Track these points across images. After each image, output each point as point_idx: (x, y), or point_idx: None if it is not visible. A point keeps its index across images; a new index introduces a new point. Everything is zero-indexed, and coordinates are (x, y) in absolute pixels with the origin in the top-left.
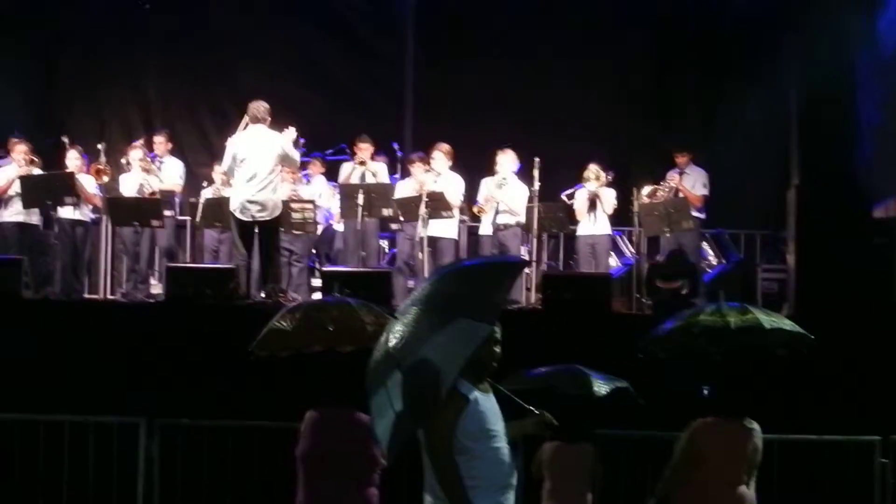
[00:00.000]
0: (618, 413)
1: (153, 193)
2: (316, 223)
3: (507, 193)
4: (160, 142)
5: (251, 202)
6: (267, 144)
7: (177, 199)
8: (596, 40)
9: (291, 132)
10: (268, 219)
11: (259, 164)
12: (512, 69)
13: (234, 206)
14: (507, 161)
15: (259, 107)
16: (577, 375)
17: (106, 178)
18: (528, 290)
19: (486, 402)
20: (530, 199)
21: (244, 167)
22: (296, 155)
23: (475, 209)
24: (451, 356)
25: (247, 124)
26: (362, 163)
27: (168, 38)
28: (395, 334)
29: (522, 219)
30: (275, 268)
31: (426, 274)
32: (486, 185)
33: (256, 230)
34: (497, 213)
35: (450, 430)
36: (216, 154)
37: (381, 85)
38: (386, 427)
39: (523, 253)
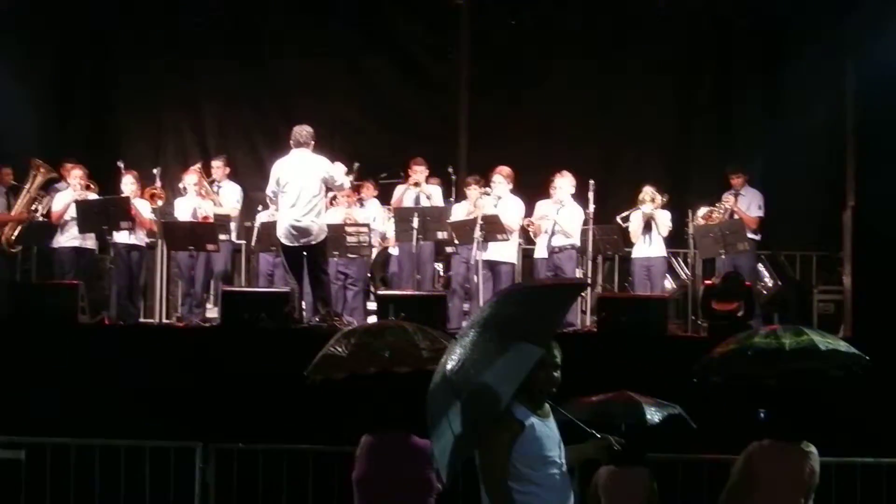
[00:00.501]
0: (673, 437)
1: (206, 218)
2: (371, 246)
3: (564, 216)
4: (218, 166)
5: (295, 227)
6: (310, 169)
7: (233, 224)
8: (651, 64)
9: (339, 167)
10: (313, 243)
11: (302, 188)
12: (565, 92)
13: (279, 232)
14: (564, 184)
15: (302, 130)
16: (630, 404)
17: (160, 203)
18: (584, 312)
19: (543, 428)
20: (585, 222)
21: (287, 192)
22: (341, 179)
23: (525, 222)
24: (505, 380)
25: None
26: (417, 185)
27: (225, 63)
28: (452, 358)
29: (577, 241)
30: (324, 291)
31: (481, 297)
32: (542, 208)
33: (304, 254)
34: (553, 234)
35: (505, 455)
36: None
37: (436, 110)
38: (444, 450)
39: (578, 275)
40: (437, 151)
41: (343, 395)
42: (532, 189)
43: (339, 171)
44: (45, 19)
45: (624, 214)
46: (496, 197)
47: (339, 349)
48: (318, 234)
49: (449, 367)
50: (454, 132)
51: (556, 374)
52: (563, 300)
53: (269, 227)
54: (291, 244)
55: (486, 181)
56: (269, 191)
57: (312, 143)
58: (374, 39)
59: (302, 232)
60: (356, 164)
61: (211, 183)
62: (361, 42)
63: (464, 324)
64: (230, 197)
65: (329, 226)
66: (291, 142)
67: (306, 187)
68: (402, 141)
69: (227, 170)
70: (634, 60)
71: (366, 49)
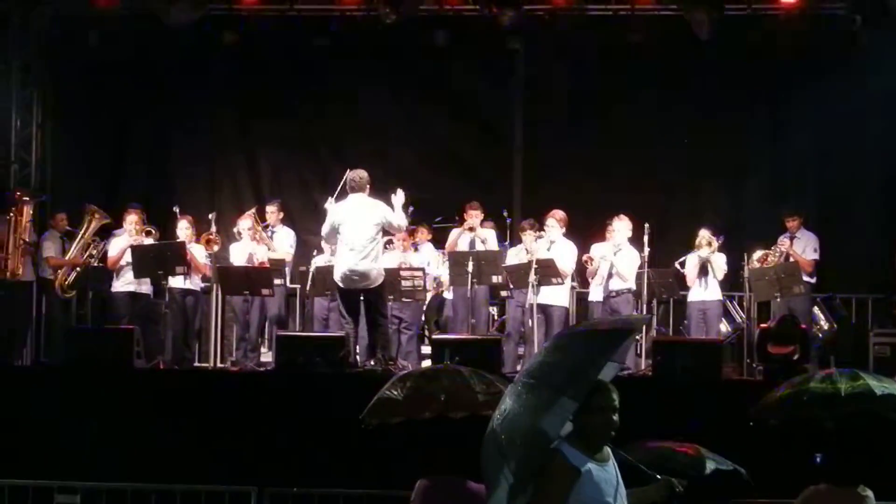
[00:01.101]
0: (730, 486)
1: (262, 263)
2: (425, 290)
3: (621, 259)
4: (272, 211)
5: (353, 272)
6: (367, 213)
7: (287, 268)
8: (708, 106)
9: (400, 196)
10: (371, 287)
11: (359, 233)
12: (621, 134)
13: (337, 276)
14: (622, 227)
15: (356, 175)
16: (691, 456)
17: (215, 248)
18: (639, 356)
19: (601, 473)
20: (641, 265)
21: (344, 236)
22: (400, 220)
23: (584, 257)
24: (546, 430)
25: (342, 189)
26: (472, 229)
27: (282, 106)
28: (502, 408)
29: (634, 285)
30: (382, 335)
31: (536, 341)
32: (599, 251)
33: (361, 297)
34: (609, 277)
35: (561, 502)
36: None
37: (491, 153)
38: (501, 500)
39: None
40: (492, 195)
41: (398, 439)
42: (585, 231)
43: (396, 214)
44: (110, 65)
45: (681, 260)
46: (549, 241)
47: (395, 393)
48: (375, 279)
49: (497, 417)
50: (508, 176)
51: (614, 417)
52: (612, 344)
53: (325, 272)
54: (349, 287)
55: (540, 225)
56: (323, 231)
57: (368, 187)
58: (430, 83)
59: (361, 276)
60: (411, 208)
61: (265, 228)
62: (417, 85)
63: (518, 367)
64: (284, 241)
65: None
66: (347, 188)
67: (363, 231)
68: (457, 185)
69: (281, 214)
70: (691, 101)
71: (422, 94)
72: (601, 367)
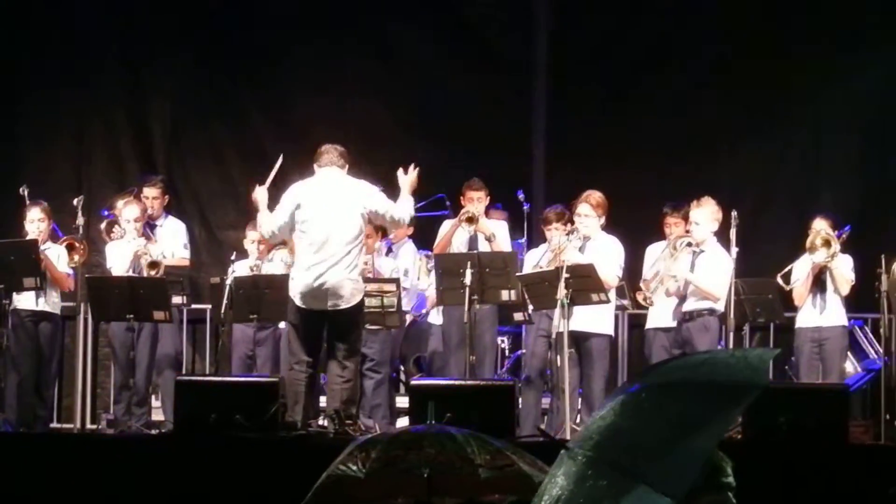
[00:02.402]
0: None
1: (155, 267)
2: (401, 313)
3: (704, 267)
4: (153, 195)
5: (320, 286)
6: (345, 197)
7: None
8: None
9: (411, 175)
10: (343, 308)
11: (332, 227)
12: (689, 85)
13: (294, 291)
14: (704, 217)
15: (331, 148)
16: None
17: (78, 258)
18: None
19: None
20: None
21: (308, 231)
22: (402, 210)
23: (642, 289)
24: None
25: (275, 175)
26: (471, 220)
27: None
28: (554, 492)
29: (721, 305)
30: (348, 383)
31: (567, 389)
32: (657, 253)
33: (326, 326)
34: (684, 294)
35: None
36: (249, 212)
37: (501, 107)
38: None
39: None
40: (502, 169)
41: None
42: (634, 224)
43: (400, 202)
44: None
45: (786, 270)
46: (581, 237)
47: (353, 467)
48: (351, 297)
49: None
50: (526, 140)
51: (730, 496)
52: (730, 410)
53: (249, 285)
54: (311, 309)
55: (572, 216)
56: (273, 226)
57: (346, 164)
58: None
59: (329, 292)
60: (379, 188)
61: (147, 220)
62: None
63: (543, 425)
64: (174, 239)
65: None
66: (316, 163)
67: (343, 227)
68: (450, 153)
69: (167, 199)
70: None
71: (404, 22)
72: (709, 448)
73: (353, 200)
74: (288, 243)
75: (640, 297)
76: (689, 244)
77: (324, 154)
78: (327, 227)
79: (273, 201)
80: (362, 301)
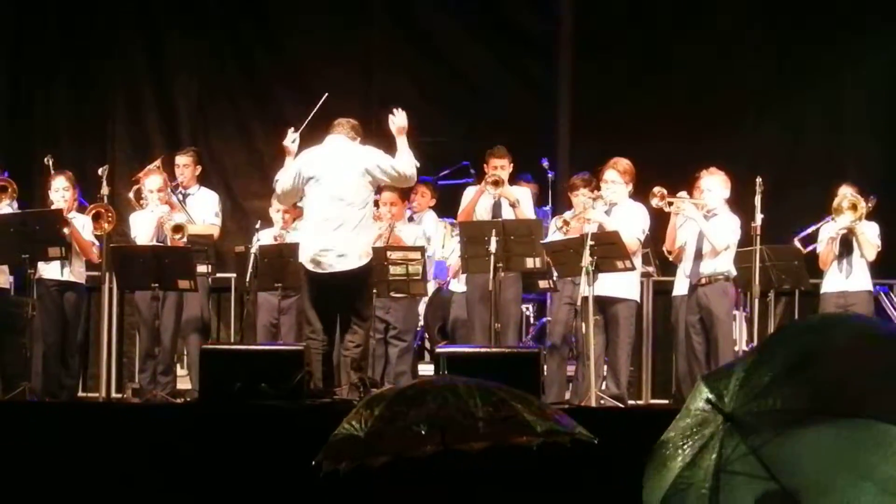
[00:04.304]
0: None
1: (179, 230)
2: (425, 280)
3: (715, 229)
4: (185, 163)
5: (327, 249)
6: (351, 161)
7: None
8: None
9: (400, 117)
10: (351, 271)
11: (341, 191)
12: (714, 54)
13: (303, 256)
14: (715, 184)
15: (344, 121)
16: None
17: (107, 227)
18: None
19: None
20: (750, 240)
21: (316, 195)
22: (405, 165)
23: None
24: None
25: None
26: (496, 183)
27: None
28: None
29: (732, 267)
30: (358, 347)
31: (592, 355)
32: (677, 220)
33: (334, 288)
34: (699, 256)
35: None
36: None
37: (525, 76)
38: None
39: (739, 319)
40: (527, 137)
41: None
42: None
43: (400, 156)
44: None
45: (807, 231)
46: (607, 203)
47: (356, 426)
48: (359, 257)
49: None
50: (550, 110)
51: None
52: None
53: (274, 254)
54: (321, 273)
55: (598, 183)
56: (280, 185)
57: (357, 136)
58: None
59: (337, 254)
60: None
61: (174, 189)
62: None
63: (567, 394)
64: (204, 208)
65: None
66: (329, 134)
67: (347, 189)
68: (475, 123)
69: (199, 169)
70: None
71: None
72: None
73: (355, 163)
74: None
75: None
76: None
77: (336, 126)
78: (333, 191)
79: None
80: (370, 264)
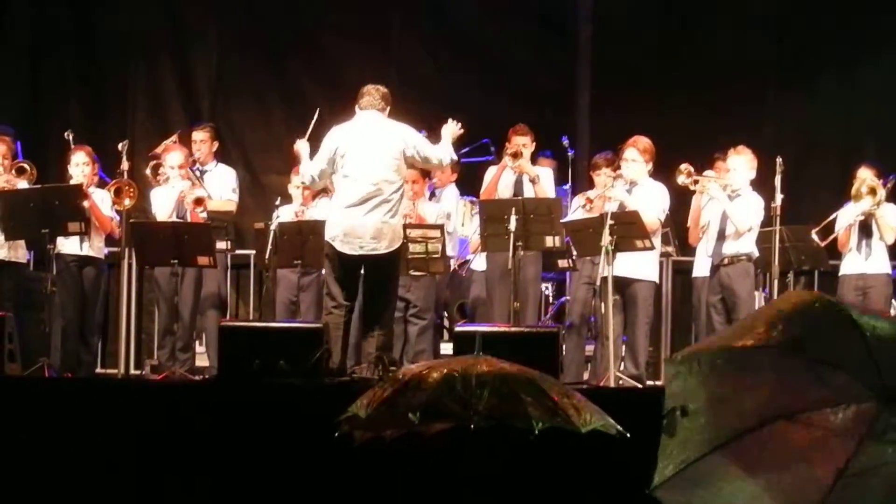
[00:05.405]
0: None
1: (200, 203)
2: (446, 259)
3: (738, 211)
4: (202, 139)
5: (358, 229)
6: (385, 139)
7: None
8: None
9: (452, 127)
10: (383, 253)
11: (372, 169)
12: (734, 34)
13: (332, 234)
14: (741, 165)
15: (373, 90)
16: None
17: (129, 202)
18: None
19: None
20: (770, 221)
21: (348, 174)
22: (442, 152)
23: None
24: None
25: (315, 124)
26: (516, 155)
27: None
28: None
29: (755, 248)
30: (384, 328)
31: (611, 335)
32: (699, 200)
33: (363, 270)
34: (721, 238)
35: None
36: (293, 157)
37: (546, 54)
38: None
39: (759, 300)
40: (547, 115)
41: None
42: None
43: (441, 145)
44: None
45: (823, 224)
46: (627, 182)
47: (361, 411)
48: (391, 240)
49: None
50: (570, 86)
51: None
52: None
53: (293, 231)
54: (350, 254)
55: (619, 161)
56: (314, 171)
57: (387, 106)
58: None
59: (371, 236)
60: (423, 132)
61: (192, 165)
62: None
63: (586, 375)
64: (221, 184)
65: None
66: (357, 105)
67: (378, 167)
68: (495, 101)
69: (216, 145)
70: None
71: None
72: None
73: (393, 143)
74: (329, 190)
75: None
76: (734, 190)
77: (365, 95)
78: (367, 171)
79: (314, 152)
80: (400, 248)
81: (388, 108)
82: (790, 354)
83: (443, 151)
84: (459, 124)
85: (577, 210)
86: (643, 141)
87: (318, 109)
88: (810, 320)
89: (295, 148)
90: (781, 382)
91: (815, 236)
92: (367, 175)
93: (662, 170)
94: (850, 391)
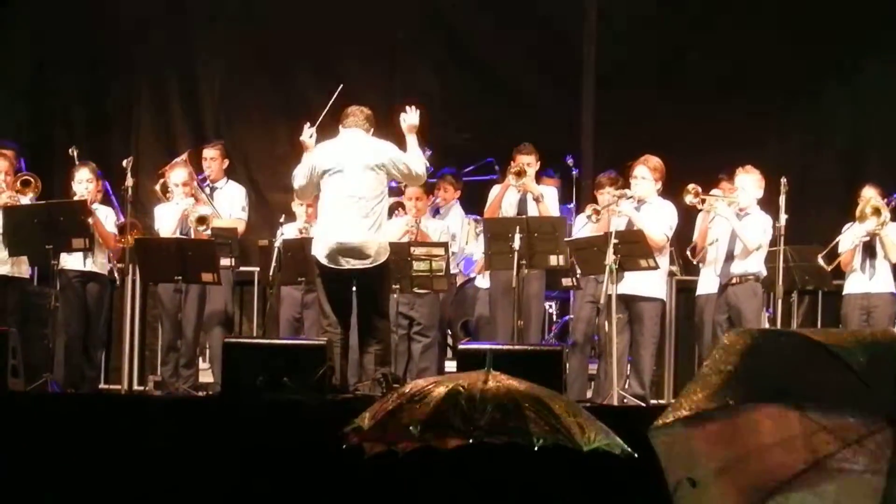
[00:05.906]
0: None
1: (203, 222)
2: (450, 275)
3: (747, 229)
4: (212, 156)
5: (343, 245)
6: (366, 155)
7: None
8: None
9: (412, 115)
10: (369, 267)
11: (354, 185)
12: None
13: (318, 250)
14: (750, 184)
15: (357, 111)
16: None
17: (130, 239)
18: None
19: None
20: (774, 241)
21: (331, 190)
22: (415, 163)
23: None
24: None
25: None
26: (520, 174)
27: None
28: None
29: (763, 268)
30: (380, 343)
31: (615, 353)
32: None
33: (354, 287)
34: (729, 257)
35: None
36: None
37: (550, 74)
38: None
39: (764, 321)
40: (551, 135)
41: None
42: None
43: (410, 153)
44: None
45: (828, 248)
46: (635, 200)
47: (364, 423)
48: (377, 255)
49: None
50: (575, 106)
51: None
52: None
53: (297, 248)
54: (336, 269)
55: (625, 181)
56: (297, 182)
57: (371, 127)
58: None
59: (354, 251)
60: (428, 152)
61: (202, 182)
62: None
63: (589, 393)
64: (231, 202)
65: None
66: (341, 125)
67: (362, 183)
68: (499, 119)
69: (226, 162)
70: None
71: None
72: None
73: (372, 158)
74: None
75: (690, 253)
76: (742, 209)
77: (350, 115)
78: (348, 186)
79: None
80: (387, 262)
81: (372, 129)
82: (774, 403)
83: (414, 159)
84: (416, 112)
85: (585, 226)
86: (653, 160)
87: (340, 85)
88: (776, 359)
89: (301, 138)
90: (783, 437)
91: (821, 261)
92: (347, 190)
93: (668, 188)
94: (860, 424)
